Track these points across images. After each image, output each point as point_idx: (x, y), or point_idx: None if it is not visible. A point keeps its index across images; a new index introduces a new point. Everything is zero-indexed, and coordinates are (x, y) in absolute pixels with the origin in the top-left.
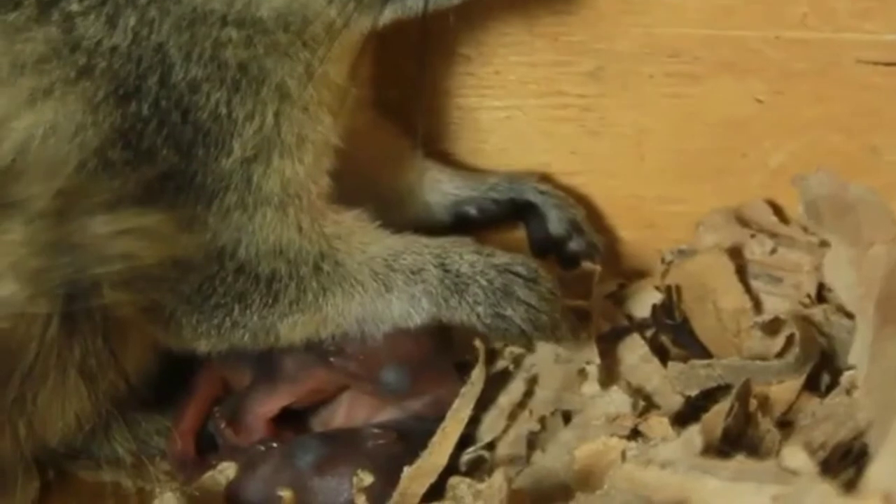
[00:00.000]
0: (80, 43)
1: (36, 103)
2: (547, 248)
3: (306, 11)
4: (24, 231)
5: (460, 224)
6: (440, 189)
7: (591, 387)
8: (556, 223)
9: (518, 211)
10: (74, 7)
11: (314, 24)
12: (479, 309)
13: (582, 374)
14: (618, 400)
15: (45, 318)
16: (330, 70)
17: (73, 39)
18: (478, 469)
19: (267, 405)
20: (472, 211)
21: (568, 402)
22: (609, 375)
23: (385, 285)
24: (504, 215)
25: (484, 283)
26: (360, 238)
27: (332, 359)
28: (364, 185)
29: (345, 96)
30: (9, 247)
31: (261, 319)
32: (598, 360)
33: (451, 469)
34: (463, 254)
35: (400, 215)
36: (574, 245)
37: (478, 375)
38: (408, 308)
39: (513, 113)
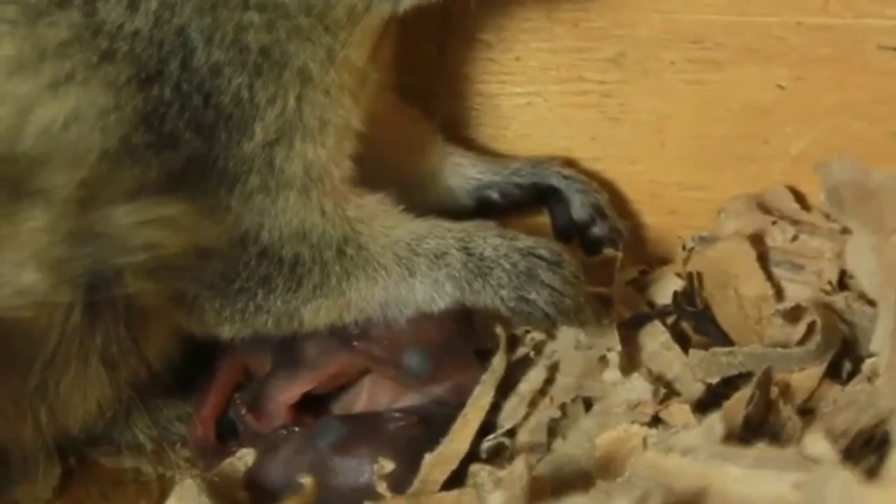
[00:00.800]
0: (102, 27)
1: (59, 89)
2: (570, 233)
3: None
4: (48, 219)
5: (483, 209)
6: (463, 173)
7: (612, 374)
8: (579, 208)
9: (541, 196)
10: None
11: (336, 9)
12: (503, 292)
13: (603, 360)
14: (639, 387)
15: (67, 306)
16: (352, 54)
17: (95, 23)
18: (498, 456)
19: (288, 391)
20: (495, 195)
21: (589, 388)
22: (630, 362)
23: (409, 269)
24: (527, 200)
25: (508, 266)
26: (384, 222)
27: (355, 343)
28: (387, 170)
29: (366, 80)
30: (32, 235)
31: (284, 304)
32: (619, 347)
33: (472, 456)
34: (486, 237)
35: (423, 200)
36: (597, 230)
37: (499, 362)
38: (431, 292)
39: (533, 99)
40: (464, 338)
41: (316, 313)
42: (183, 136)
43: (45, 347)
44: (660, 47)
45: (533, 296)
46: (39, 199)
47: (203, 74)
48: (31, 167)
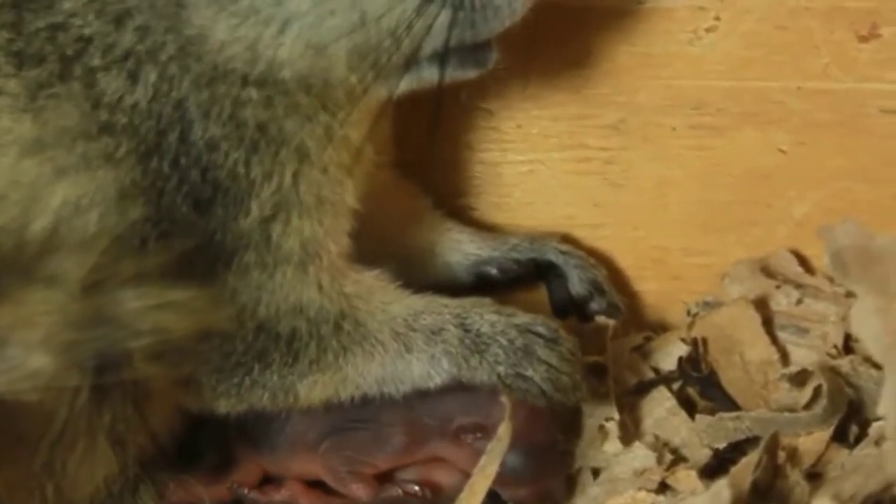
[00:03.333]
0: (102, 99)
1: (69, 174)
2: (568, 309)
3: (328, 76)
4: (58, 304)
5: (482, 284)
6: (461, 249)
7: (612, 444)
8: (577, 284)
9: (540, 271)
10: (96, 62)
11: (336, 89)
12: (500, 369)
13: (602, 430)
14: (641, 455)
15: (75, 388)
16: (350, 133)
17: (95, 95)
18: None
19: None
20: (494, 271)
21: (592, 458)
22: (635, 430)
23: (405, 345)
24: (526, 275)
25: (504, 342)
26: (381, 297)
27: (464, 436)
28: (384, 245)
29: (363, 158)
30: (42, 319)
31: (280, 379)
32: (616, 417)
33: None
34: (483, 314)
35: (421, 276)
36: (595, 305)
37: (504, 431)
38: (428, 369)
39: (535, 167)
40: (560, 440)
41: (312, 388)
42: (180, 210)
43: (52, 426)
44: (661, 113)
45: (529, 373)
46: (50, 284)
47: (200, 148)
48: (42, 252)
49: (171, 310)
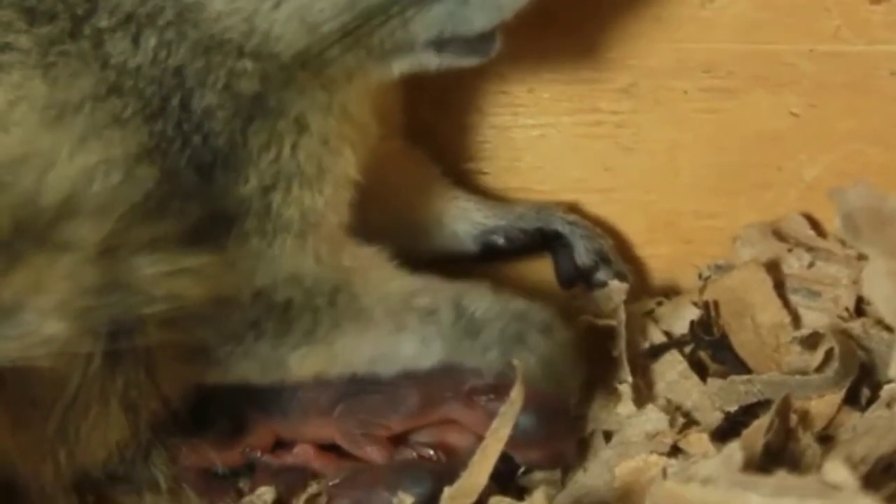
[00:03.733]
0: (109, 60)
1: (87, 142)
2: (574, 278)
3: (323, 54)
4: (73, 270)
5: (488, 253)
6: (468, 218)
7: (625, 407)
8: (583, 254)
9: (546, 241)
10: (104, 23)
11: (331, 68)
12: (491, 354)
13: (615, 393)
14: (654, 418)
15: (88, 354)
16: (350, 107)
17: (103, 56)
18: (517, 488)
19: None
20: (500, 240)
21: (604, 421)
22: (647, 393)
23: (398, 324)
24: (532, 245)
25: (498, 328)
26: (378, 274)
27: (476, 398)
28: (392, 214)
29: (367, 131)
30: (58, 285)
31: (272, 350)
32: (630, 379)
33: (492, 488)
34: (479, 297)
35: (428, 244)
36: (601, 275)
37: (517, 394)
38: (418, 350)
39: (546, 131)
40: (573, 405)
41: (302, 361)
42: (185, 175)
43: (65, 391)
44: (672, 77)
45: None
46: (65, 250)
47: (200, 115)
48: (58, 218)
49: (186, 276)
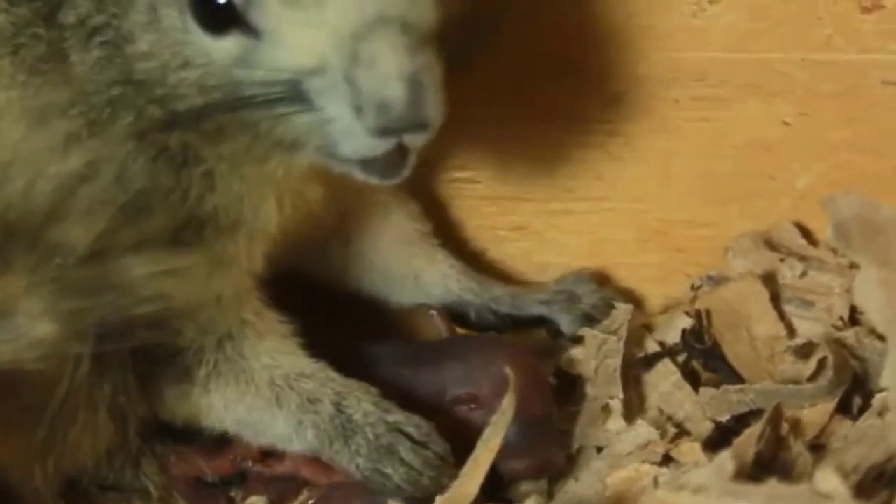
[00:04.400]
0: (70, 57)
1: (74, 144)
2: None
3: (225, 128)
4: (63, 272)
5: (455, 320)
6: (445, 285)
7: (615, 422)
8: (567, 324)
9: (526, 321)
10: (70, 19)
11: (229, 141)
12: (359, 460)
13: (606, 409)
14: (644, 433)
15: (76, 356)
16: (274, 170)
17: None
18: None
19: None
20: (471, 315)
21: (593, 437)
22: (640, 404)
23: (278, 399)
24: (502, 326)
25: (371, 436)
26: (274, 342)
27: (458, 407)
28: (370, 260)
29: (302, 195)
30: (47, 288)
31: (155, 379)
32: (621, 395)
33: (482, 498)
34: (362, 400)
35: (399, 296)
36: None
37: (508, 403)
38: (292, 432)
39: (537, 139)
40: (557, 414)
41: (179, 401)
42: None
43: (53, 398)
44: (663, 85)
45: (388, 471)
46: (56, 253)
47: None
48: (48, 221)
49: (174, 276)
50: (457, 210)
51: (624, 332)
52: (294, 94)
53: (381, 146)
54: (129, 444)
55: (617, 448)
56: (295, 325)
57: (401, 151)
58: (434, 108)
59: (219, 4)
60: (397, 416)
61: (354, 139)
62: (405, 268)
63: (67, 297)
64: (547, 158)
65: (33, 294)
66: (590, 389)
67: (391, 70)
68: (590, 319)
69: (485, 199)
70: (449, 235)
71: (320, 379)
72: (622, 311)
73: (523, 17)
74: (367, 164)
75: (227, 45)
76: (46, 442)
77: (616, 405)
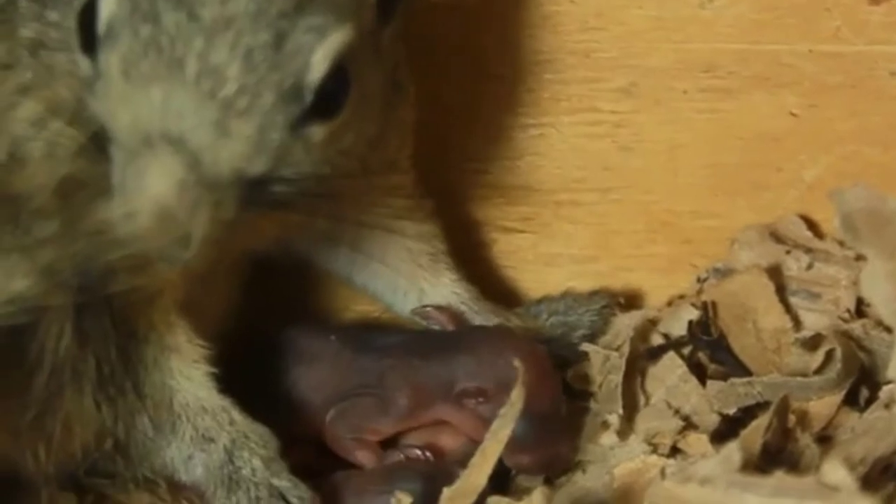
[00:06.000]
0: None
1: (28, 91)
2: None
3: None
4: (32, 223)
5: None
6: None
7: (609, 437)
8: (572, 354)
9: None
10: None
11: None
12: None
13: (605, 424)
14: (637, 450)
15: (57, 331)
16: None
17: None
18: (515, 489)
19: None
20: None
21: (590, 452)
22: (645, 396)
23: (173, 426)
24: None
25: (252, 495)
26: (183, 366)
27: (465, 401)
28: (378, 268)
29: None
30: (17, 240)
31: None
32: (621, 411)
33: (490, 489)
34: (254, 455)
35: (402, 308)
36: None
37: (517, 395)
38: (182, 462)
39: (546, 130)
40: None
41: (80, 409)
42: None
43: (38, 376)
44: (671, 77)
45: None
46: (21, 204)
47: None
48: (9, 172)
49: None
50: (465, 200)
51: (626, 349)
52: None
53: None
54: (117, 427)
55: (611, 462)
56: (212, 353)
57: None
58: (175, 248)
59: (94, 24)
60: (284, 481)
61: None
62: (410, 284)
63: (40, 249)
64: (555, 149)
65: (3, 248)
66: (593, 405)
67: (152, 190)
68: (592, 337)
69: (493, 190)
70: (457, 226)
71: (219, 421)
72: (624, 324)
73: (537, 9)
74: None
75: (84, 64)
76: (36, 424)
77: (614, 420)
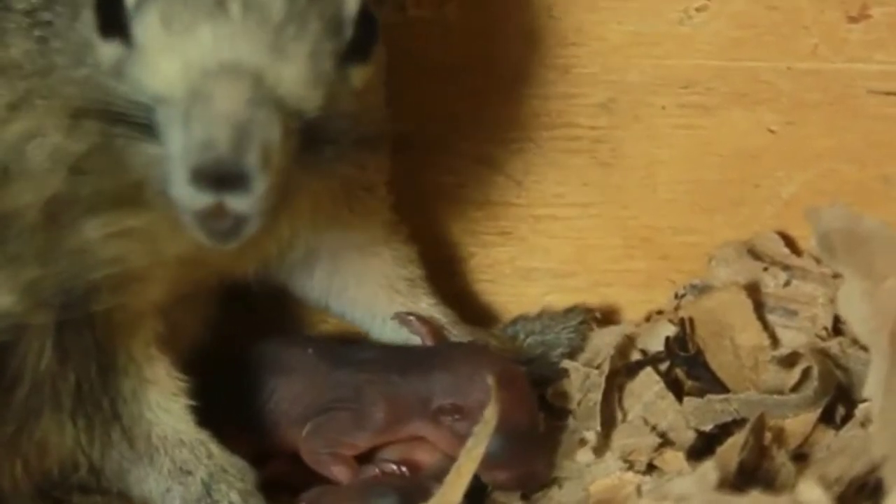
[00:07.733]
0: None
1: (20, 107)
2: None
3: None
4: (18, 241)
5: None
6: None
7: (585, 455)
8: (552, 373)
9: None
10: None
11: None
12: None
13: (581, 441)
14: (613, 466)
15: (38, 347)
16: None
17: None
18: None
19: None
20: None
21: (565, 469)
22: (622, 413)
23: (151, 458)
24: None
25: None
26: (161, 398)
27: (442, 417)
28: (355, 295)
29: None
30: (1, 257)
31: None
32: (598, 428)
33: None
34: (231, 489)
35: (380, 334)
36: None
37: (491, 413)
38: (160, 494)
39: (525, 145)
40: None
41: (57, 428)
42: None
43: (18, 392)
44: (650, 93)
45: None
46: (8, 221)
47: None
48: None
49: (129, 237)
50: (443, 214)
51: (606, 367)
52: (147, 121)
53: (198, 198)
54: (96, 443)
55: (587, 479)
56: (189, 386)
57: (235, 221)
58: (257, 166)
59: (115, 5)
60: None
61: (178, 183)
62: (387, 311)
63: (24, 266)
64: (534, 164)
65: None
66: (571, 422)
67: (223, 111)
68: (571, 354)
69: (471, 204)
70: (435, 239)
71: (198, 455)
72: (604, 341)
73: (516, 25)
74: (198, 219)
75: (109, 50)
76: (12, 441)
77: (591, 437)
